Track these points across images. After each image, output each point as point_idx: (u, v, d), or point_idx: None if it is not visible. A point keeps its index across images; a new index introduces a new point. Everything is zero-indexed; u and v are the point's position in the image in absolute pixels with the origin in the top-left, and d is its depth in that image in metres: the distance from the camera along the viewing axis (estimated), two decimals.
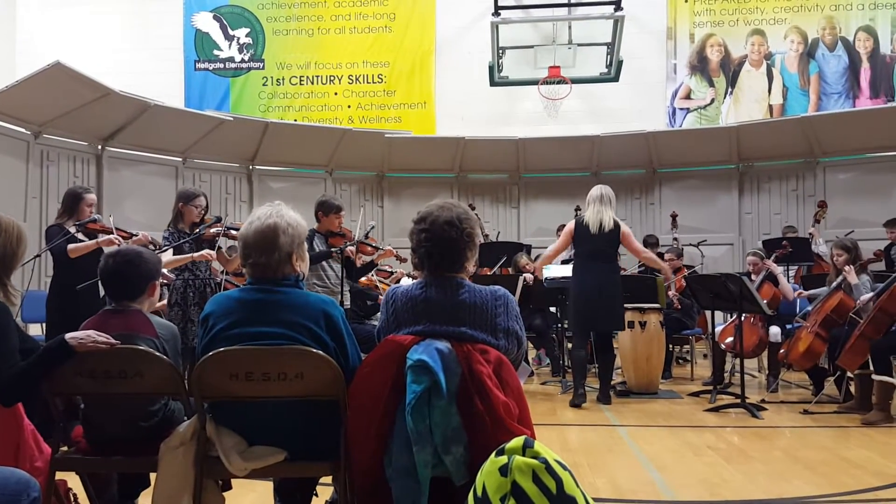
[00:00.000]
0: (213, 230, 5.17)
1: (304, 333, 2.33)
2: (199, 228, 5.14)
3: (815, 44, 11.55)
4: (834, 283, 5.92)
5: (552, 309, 7.73)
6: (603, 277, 5.93)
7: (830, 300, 5.81)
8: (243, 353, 2.29)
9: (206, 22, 12.24)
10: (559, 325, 7.56)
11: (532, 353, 8.49)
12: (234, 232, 5.31)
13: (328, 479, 2.47)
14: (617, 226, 5.98)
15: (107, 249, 4.40)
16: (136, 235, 5.09)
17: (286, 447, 2.32)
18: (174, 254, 4.99)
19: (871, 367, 5.16)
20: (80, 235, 5.04)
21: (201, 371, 2.30)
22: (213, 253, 5.10)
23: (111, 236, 4.94)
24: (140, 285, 2.68)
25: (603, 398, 5.94)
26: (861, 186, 10.09)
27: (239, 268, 5.58)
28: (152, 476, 2.49)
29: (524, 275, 7.34)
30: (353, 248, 5.51)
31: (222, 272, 6.26)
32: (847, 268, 5.74)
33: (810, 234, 9.00)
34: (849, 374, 5.64)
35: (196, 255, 5.04)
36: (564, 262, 8.16)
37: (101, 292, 4.48)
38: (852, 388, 5.67)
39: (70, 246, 4.92)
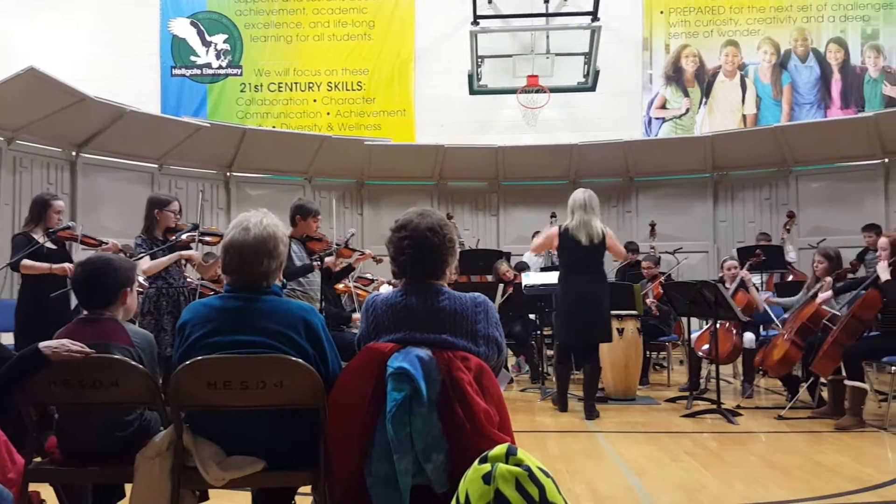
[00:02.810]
0: (187, 237, 5.11)
1: (284, 341, 2.32)
2: (174, 235, 5.08)
3: (788, 55, 11.74)
4: (811, 292, 6.00)
5: (532, 316, 7.75)
6: (591, 289, 5.74)
7: (807, 308, 5.88)
8: (221, 361, 2.26)
9: (183, 28, 12.15)
10: (539, 333, 7.59)
11: (512, 360, 8.51)
12: (208, 238, 5.26)
13: (308, 489, 2.45)
14: (604, 235, 5.80)
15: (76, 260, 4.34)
16: (106, 244, 5.02)
17: (265, 456, 2.30)
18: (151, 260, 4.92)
19: (844, 373, 5.24)
20: (49, 244, 4.97)
21: (178, 380, 2.27)
22: (197, 255, 5.05)
23: (65, 264, 4.87)
24: (113, 292, 2.65)
25: (589, 413, 5.70)
26: (832, 195, 10.26)
27: (216, 274, 5.53)
28: (128, 487, 2.46)
29: (501, 285, 7.35)
30: (332, 259, 5.48)
31: (198, 279, 6.20)
32: (826, 279, 5.82)
33: (783, 239, 9.15)
34: (822, 379, 5.71)
35: (185, 253, 4.97)
36: (544, 269, 8.22)
37: (74, 301, 4.44)
38: (825, 394, 5.74)
39: (25, 262, 4.83)
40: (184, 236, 5.08)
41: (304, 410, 2.31)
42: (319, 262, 5.35)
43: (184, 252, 4.96)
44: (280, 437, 2.33)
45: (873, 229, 8.17)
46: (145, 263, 4.68)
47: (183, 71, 12.10)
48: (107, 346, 2.49)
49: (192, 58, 12.12)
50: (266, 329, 2.32)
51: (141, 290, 4.98)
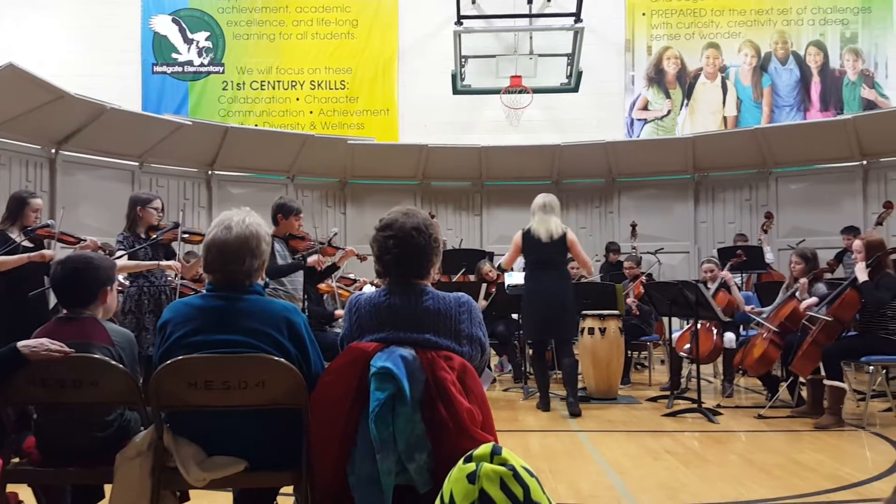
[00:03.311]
0: (170, 235, 5.07)
1: (266, 341, 2.30)
2: (156, 233, 5.03)
3: (768, 57, 11.86)
4: (789, 292, 6.06)
5: (514, 316, 7.77)
6: (553, 285, 5.96)
7: (785, 308, 5.95)
8: (203, 361, 2.25)
9: (164, 25, 12.05)
10: (521, 332, 7.60)
11: (494, 360, 8.52)
12: (189, 236, 5.22)
13: (290, 489, 2.44)
14: (564, 234, 6.00)
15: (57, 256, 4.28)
16: (84, 241, 4.97)
17: (246, 457, 2.29)
18: (130, 259, 4.87)
19: (823, 373, 5.30)
20: (26, 243, 4.90)
21: (159, 380, 2.25)
22: (179, 265, 5.00)
23: (44, 251, 4.81)
24: (92, 291, 2.63)
25: (572, 409, 5.79)
26: (811, 197, 10.37)
27: (197, 274, 5.49)
28: (107, 488, 2.43)
29: (484, 285, 7.37)
30: (318, 258, 5.45)
31: (177, 277, 6.15)
32: (802, 280, 5.89)
33: (760, 240, 9.24)
34: (801, 379, 5.77)
35: (164, 263, 4.93)
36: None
37: (53, 300, 4.38)
38: (804, 393, 5.80)
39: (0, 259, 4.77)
40: (165, 234, 5.04)
41: (287, 410, 2.30)
42: (303, 260, 5.33)
43: (163, 262, 4.92)
44: (262, 437, 2.32)
45: (852, 231, 8.27)
46: (120, 261, 4.62)
47: (164, 68, 12.01)
48: (86, 346, 2.46)
49: (174, 55, 12.03)
50: (248, 328, 2.30)
51: (121, 288, 4.94)
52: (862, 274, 5.25)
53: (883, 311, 5.27)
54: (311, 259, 5.32)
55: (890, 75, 11.58)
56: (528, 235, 6.05)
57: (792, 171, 10.66)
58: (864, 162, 10.10)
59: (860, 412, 5.48)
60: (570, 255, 6.24)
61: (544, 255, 5.97)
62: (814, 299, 5.71)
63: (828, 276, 6.39)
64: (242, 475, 2.29)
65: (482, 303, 7.25)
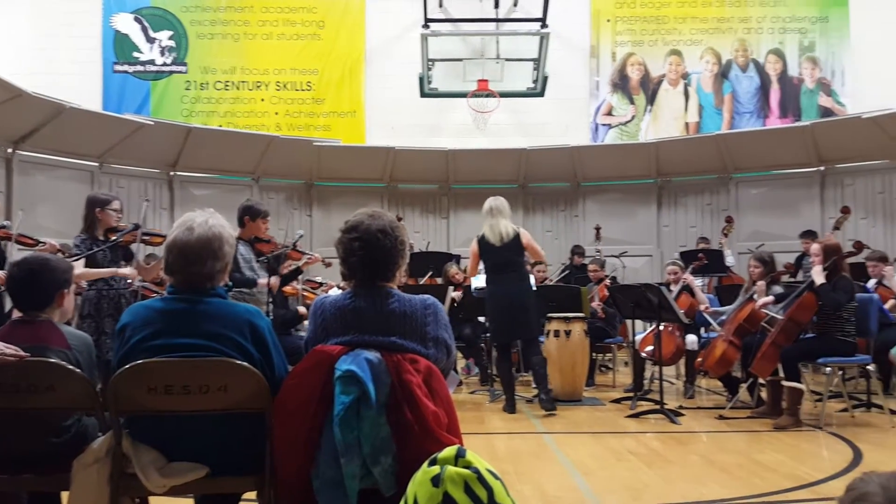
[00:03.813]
0: (129, 236, 4.98)
1: (228, 345, 2.27)
2: (115, 235, 4.94)
3: (729, 65, 12.07)
4: (748, 294, 6.17)
5: (481, 319, 7.78)
6: (512, 287, 6.06)
7: (743, 310, 6.05)
8: (162, 365, 2.21)
9: (126, 23, 11.85)
10: (488, 335, 7.62)
11: (461, 363, 8.53)
12: (149, 238, 5.14)
13: (253, 495, 2.41)
14: (517, 234, 6.10)
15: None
16: (43, 244, 4.86)
17: (208, 462, 2.25)
18: (88, 262, 4.77)
19: (781, 374, 5.40)
20: None
21: (117, 384, 2.21)
22: (136, 272, 4.91)
23: None
24: (49, 294, 2.57)
25: (546, 406, 5.87)
26: (770, 201, 10.58)
27: (158, 276, 5.40)
28: (64, 496, 2.38)
29: (453, 294, 7.39)
30: (276, 281, 5.40)
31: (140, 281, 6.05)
32: (759, 283, 6.00)
33: (720, 243, 9.40)
34: (760, 380, 5.87)
35: (121, 271, 4.84)
36: None
37: (8, 303, 4.27)
38: (764, 394, 5.91)
39: None
40: (125, 236, 4.95)
41: (249, 415, 2.27)
42: (267, 263, 5.27)
43: (120, 270, 4.83)
44: (224, 441, 2.28)
45: (810, 235, 8.46)
46: (79, 268, 4.53)
47: (125, 67, 11.81)
48: (42, 350, 2.41)
49: (135, 54, 11.84)
50: (210, 332, 2.27)
51: (79, 291, 4.84)
52: (819, 277, 5.36)
53: (839, 314, 5.38)
54: (266, 281, 5.22)
55: (847, 83, 11.87)
56: (482, 241, 6.16)
57: (752, 177, 10.86)
58: (822, 168, 10.34)
59: (818, 412, 5.59)
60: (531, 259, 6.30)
61: (500, 258, 6.09)
62: (770, 297, 5.82)
63: (786, 278, 6.51)
64: (203, 481, 2.25)
65: (455, 294, 7.26)
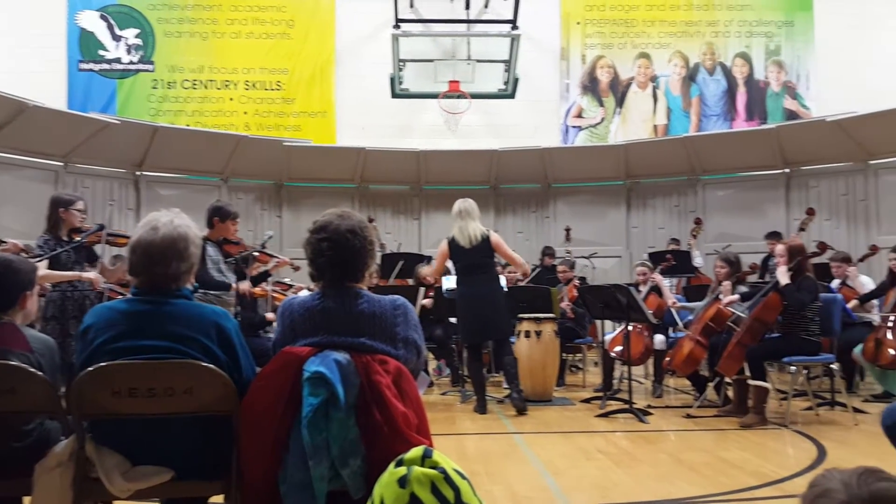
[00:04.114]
0: (95, 238, 4.90)
1: (194, 346, 2.23)
2: (80, 236, 4.86)
3: (697, 68, 12.23)
4: (714, 294, 6.25)
5: (452, 320, 7.78)
6: (482, 288, 6.11)
7: (710, 310, 6.13)
8: (126, 367, 2.17)
9: (91, 21, 11.66)
10: (458, 336, 7.62)
11: (433, 364, 8.52)
12: (114, 239, 5.06)
13: (220, 499, 2.38)
14: (486, 236, 6.13)
15: None
16: (4, 244, 4.77)
17: (173, 466, 2.21)
18: (52, 263, 4.68)
19: (747, 373, 5.47)
20: None
21: (80, 387, 2.17)
22: (101, 278, 4.83)
23: None
24: (11, 295, 2.52)
25: (518, 405, 5.92)
26: (737, 203, 10.73)
27: (123, 278, 5.33)
28: (26, 500, 2.33)
29: (424, 301, 7.39)
30: (248, 287, 5.35)
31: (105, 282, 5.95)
32: (725, 283, 6.08)
33: (689, 244, 9.52)
34: (727, 379, 5.95)
35: (85, 275, 4.76)
36: None
37: None
38: (730, 393, 5.99)
39: None
40: (90, 236, 4.87)
41: (216, 417, 2.24)
42: (235, 264, 5.23)
43: (84, 274, 4.75)
44: (189, 445, 2.25)
45: (775, 237, 8.58)
46: (42, 269, 4.45)
47: (91, 65, 11.62)
48: (4, 352, 2.35)
49: (101, 52, 11.65)
50: (175, 334, 2.23)
51: (42, 293, 4.75)
52: (784, 277, 5.45)
53: (804, 314, 5.46)
54: (242, 287, 5.18)
55: (811, 87, 12.10)
56: (452, 243, 6.20)
57: (718, 179, 11.01)
58: (787, 170, 10.51)
59: (783, 411, 5.68)
60: (503, 260, 6.33)
61: (470, 260, 6.13)
62: (735, 296, 5.91)
63: (752, 279, 6.61)
64: (169, 485, 2.21)
65: (427, 301, 7.24)
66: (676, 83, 12.22)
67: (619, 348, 6.86)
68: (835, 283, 7.05)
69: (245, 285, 5.24)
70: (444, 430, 5.31)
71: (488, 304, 6.07)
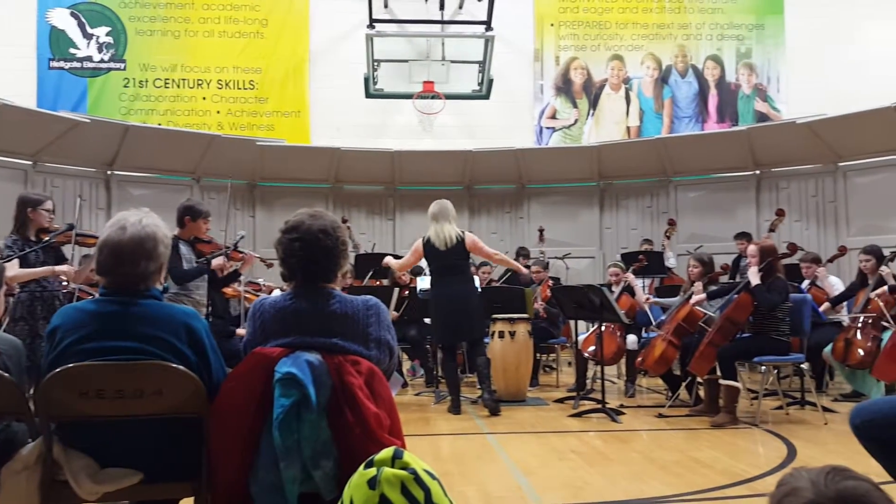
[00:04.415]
0: (64, 238, 4.82)
1: (163, 347, 2.21)
2: (48, 236, 4.78)
3: (669, 70, 12.35)
4: (686, 294, 6.32)
5: (426, 320, 7.78)
6: (456, 289, 6.12)
7: (682, 310, 6.19)
8: (94, 368, 2.14)
9: (62, 18, 11.48)
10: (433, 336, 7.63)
11: (407, 365, 8.51)
12: (83, 239, 4.99)
13: (190, 501, 2.36)
14: (460, 238, 6.15)
15: None
16: None
17: (142, 468, 2.19)
18: (20, 264, 4.61)
19: (719, 373, 5.54)
20: None
21: (48, 389, 2.13)
22: (72, 269, 4.76)
23: None
24: None
25: (490, 406, 5.95)
26: (708, 204, 10.84)
27: (91, 278, 5.25)
28: None
29: (397, 289, 7.39)
30: (223, 260, 5.30)
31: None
32: (697, 283, 6.15)
33: (663, 245, 9.62)
34: (699, 379, 6.01)
35: (58, 268, 4.69)
36: None
37: None
38: (702, 393, 6.05)
39: None
40: (58, 236, 4.79)
41: (186, 419, 2.22)
42: (206, 264, 5.18)
43: (57, 267, 4.68)
44: (159, 446, 2.23)
45: (745, 237, 8.69)
46: (12, 269, 4.37)
47: (61, 64, 11.43)
48: None
49: (72, 50, 11.47)
50: (144, 334, 2.21)
51: (10, 293, 4.67)
52: (754, 278, 5.51)
53: (774, 314, 5.53)
54: (216, 262, 5.17)
55: (781, 89, 12.27)
56: (427, 244, 6.21)
57: (690, 180, 11.11)
58: (758, 171, 10.64)
59: (753, 410, 5.76)
60: (481, 259, 6.35)
61: (444, 261, 6.15)
62: (702, 295, 5.97)
63: (723, 279, 6.69)
64: (138, 487, 2.19)
65: (393, 313, 7.21)
66: (649, 85, 12.33)
67: (592, 348, 6.90)
68: (804, 284, 7.16)
69: (219, 261, 5.19)
70: (418, 430, 5.31)
71: (462, 306, 6.09)
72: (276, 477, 2.08)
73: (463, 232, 6.24)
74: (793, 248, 7.85)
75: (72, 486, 2.14)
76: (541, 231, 9.94)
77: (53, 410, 2.17)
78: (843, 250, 7.80)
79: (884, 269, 6.30)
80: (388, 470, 1.55)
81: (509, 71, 11.64)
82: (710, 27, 12.36)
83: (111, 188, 10.01)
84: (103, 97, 11.49)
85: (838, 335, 6.30)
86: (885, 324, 6.04)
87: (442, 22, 10.84)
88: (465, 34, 10.85)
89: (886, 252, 6.53)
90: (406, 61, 10.97)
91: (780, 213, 8.56)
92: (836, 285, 7.23)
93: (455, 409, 6.06)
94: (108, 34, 11.56)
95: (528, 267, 8.67)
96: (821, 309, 6.66)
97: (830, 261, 7.77)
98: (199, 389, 2.19)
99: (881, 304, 6.08)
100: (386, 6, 11.40)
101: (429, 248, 6.20)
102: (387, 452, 1.60)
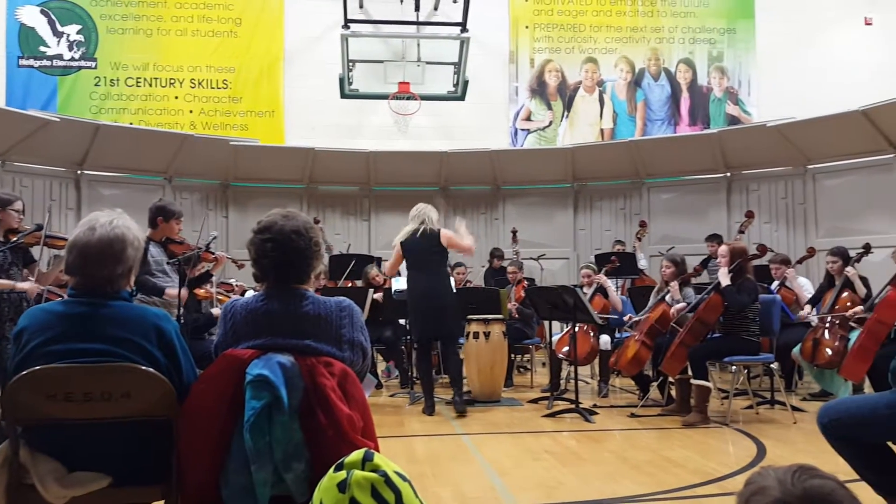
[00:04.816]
0: (32, 238, 4.74)
1: (132, 349, 2.19)
2: (17, 237, 4.70)
3: (642, 73, 12.46)
4: (660, 296, 6.38)
5: (401, 321, 7.77)
6: (430, 285, 6.15)
7: (655, 310, 6.25)
8: (62, 371, 2.11)
9: (32, 16, 11.30)
10: (408, 338, 7.62)
11: (382, 366, 8.49)
12: (52, 241, 4.91)
13: None
14: (437, 232, 6.19)
15: None
16: None
17: (111, 471, 2.16)
18: None
19: (690, 373, 5.59)
20: None
21: (14, 392, 2.10)
22: (35, 287, 4.66)
23: None
24: None
25: (458, 408, 6.00)
26: (680, 206, 10.95)
27: (60, 279, 5.16)
28: None
29: (371, 290, 7.37)
30: (196, 259, 5.25)
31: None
32: (672, 284, 6.21)
33: (635, 247, 9.70)
34: (670, 378, 6.07)
35: (19, 285, 4.59)
36: None
37: None
38: (673, 392, 6.11)
39: None
40: (27, 237, 4.71)
41: (155, 422, 2.20)
42: (178, 265, 5.11)
43: (19, 284, 4.59)
44: (128, 450, 2.20)
45: (715, 239, 8.80)
46: None
47: (31, 62, 11.26)
48: None
49: (42, 48, 11.30)
50: (113, 336, 2.18)
51: None
52: (725, 279, 5.58)
53: (744, 314, 5.61)
54: (172, 293, 5.05)
55: (752, 93, 12.44)
56: (404, 244, 6.25)
57: (663, 182, 11.21)
58: (728, 174, 10.77)
59: (724, 409, 5.82)
60: (456, 259, 6.36)
61: (420, 255, 6.18)
62: (682, 304, 6.03)
63: (695, 280, 6.76)
64: (106, 491, 2.16)
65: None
66: (622, 88, 12.43)
67: (566, 349, 6.94)
68: (774, 285, 7.25)
69: (182, 292, 5.09)
70: (392, 432, 5.30)
71: (436, 301, 6.12)
72: (247, 480, 2.07)
73: (438, 228, 6.26)
74: (763, 249, 7.93)
75: (39, 491, 2.11)
76: (514, 232, 9.98)
77: (20, 413, 2.14)
78: (812, 252, 7.92)
79: (849, 270, 6.41)
80: (358, 472, 1.54)
81: (484, 72, 11.68)
82: (683, 31, 12.50)
83: (81, 188, 9.86)
84: (74, 96, 11.33)
85: (807, 335, 6.39)
86: (852, 324, 6.14)
87: (417, 23, 10.83)
88: (440, 35, 10.85)
89: (853, 253, 6.63)
90: (381, 62, 10.96)
91: (750, 216, 8.66)
92: (805, 286, 7.33)
93: (429, 409, 6.06)
94: (78, 32, 11.40)
95: (503, 268, 8.71)
96: (802, 313, 6.74)
97: (800, 262, 7.88)
98: (169, 392, 2.17)
99: (849, 304, 6.20)
100: (361, 6, 11.37)
101: (405, 244, 6.23)
102: (357, 455, 1.59)
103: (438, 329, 6.27)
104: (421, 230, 6.17)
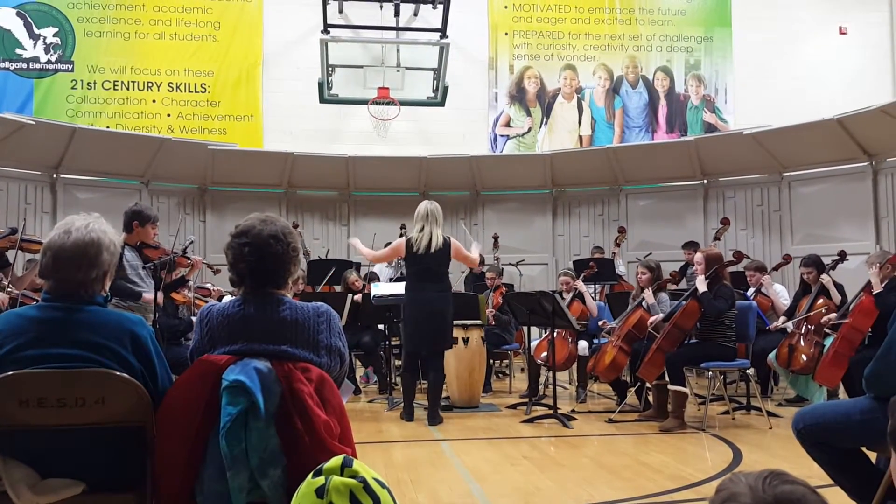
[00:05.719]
0: (6, 242, 4.68)
1: (107, 355, 2.16)
2: None
3: (620, 81, 12.57)
4: (636, 301, 6.42)
5: (381, 326, 7.75)
6: (436, 297, 5.93)
7: (632, 316, 6.29)
8: (34, 377, 2.08)
9: (7, 18, 11.17)
10: (387, 343, 7.60)
11: (360, 371, 8.46)
12: (27, 245, 4.85)
13: None
14: (447, 244, 5.99)
15: None
16: None
17: (85, 478, 2.13)
18: None
19: (667, 378, 5.63)
20: None
21: None
22: (5, 299, 4.58)
23: None
24: None
25: (431, 419, 5.90)
26: (658, 213, 11.04)
27: (35, 283, 5.10)
28: None
29: (354, 295, 7.35)
30: (172, 264, 5.21)
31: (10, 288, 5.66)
32: (647, 290, 6.26)
33: (613, 253, 9.76)
34: (647, 384, 6.11)
35: None
36: (394, 280, 8.27)
37: None
38: (651, 398, 6.15)
39: None
40: (1, 241, 4.65)
41: (129, 428, 2.17)
42: (153, 269, 5.06)
43: None
44: (102, 456, 2.17)
45: (692, 246, 8.87)
46: None
47: (7, 65, 11.12)
48: None
49: (18, 51, 11.17)
50: (87, 341, 2.15)
51: None
52: (701, 285, 5.63)
53: (721, 320, 5.66)
54: (148, 297, 4.99)
55: (729, 101, 12.60)
56: (410, 245, 5.98)
57: (640, 189, 11.31)
58: (705, 181, 10.89)
59: (701, 415, 5.86)
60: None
61: (425, 265, 5.93)
62: (660, 315, 6.08)
63: (671, 286, 6.81)
64: (80, 498, 2.13)
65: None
66: (601, 95, 12.53)
67: (544, 354, 6.95)
68: (750, 292, 7.33)
69: (151, 296, 5.03)
70: (370, 438, 5.28)
71: (437, 315, 5.91)
72: (222, 486, 2.05)
73: (448, 238, 6.06)
74: (739, 256, 8.02)
75: (11, 497, 2.08)
76: (495, 238, 10.00)
77: None
78: (787, 258, 8.02)
79: (824, 278, 6.50)
80: (336, 478, 1.54)
81: (464, 78, 11.71)
82: (660, 39, 12.63)
83: (57, 192, 9.74)
84: (50, 99, 11.21)
85: (782, 341, 6.46)
86: (826, 331, 6.22)
87: (397, 28, 10.85)
88: (420, 41, 10.86)
89: (827, 260, 6.72)
90: (361, 67, 10.94)
91: (726, 222, 8.76)
92: (781, 293, 7.42)
93: (408, 415, 6.04)
94: (55, 35, 11.29)
95: (482, 273, 8.72)
96: (777, 323, 6.81)
97: (775, 269, 7.98)
98: (144, 398, 2.15)
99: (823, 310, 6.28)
100: (341, 11, 11.37)
101: (410, 250, 5.96)
102: (336, 461, 1.59)
103: (435, 344, 6.03)
104: (434, 244, 5.87)
